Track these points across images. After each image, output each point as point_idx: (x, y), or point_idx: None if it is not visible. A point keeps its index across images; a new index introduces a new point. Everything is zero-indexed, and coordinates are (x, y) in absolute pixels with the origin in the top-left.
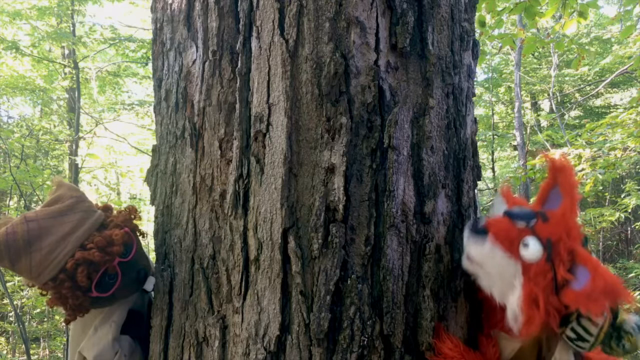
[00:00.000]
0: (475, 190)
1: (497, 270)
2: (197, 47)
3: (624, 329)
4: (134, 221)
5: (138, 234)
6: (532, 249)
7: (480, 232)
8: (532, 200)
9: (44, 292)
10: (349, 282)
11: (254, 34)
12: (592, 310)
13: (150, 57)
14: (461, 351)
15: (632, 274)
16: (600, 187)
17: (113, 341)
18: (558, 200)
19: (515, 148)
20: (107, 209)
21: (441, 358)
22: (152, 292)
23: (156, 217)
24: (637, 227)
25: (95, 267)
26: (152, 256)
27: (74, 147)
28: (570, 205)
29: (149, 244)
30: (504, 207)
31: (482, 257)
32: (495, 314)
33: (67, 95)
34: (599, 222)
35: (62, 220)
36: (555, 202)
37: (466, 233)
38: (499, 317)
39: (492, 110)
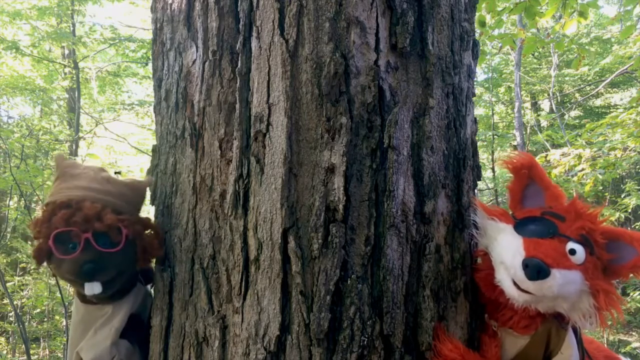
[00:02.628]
0: (475, 190)
1: (570, 288)
2: (197, 47)
3: None
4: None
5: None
6: (579, 252)
7: (544, 274)
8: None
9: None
10: (349, 282)
11: (254, 34)
12: None
13: (150, 57)
14: (461, 352)
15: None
16: (600, 187)
17: (111, 346)
18: (540, 195)
19: (515, 148)
20: (148, 220)
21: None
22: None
23: (156, 217)
24: (637, 227)
25: (71, 222)
26: None
27: (74, 147)
28: (561, 193)
29: None
30: (484, 218)
31: (560, 290)
32: (503, 312)
33: (67, 95)
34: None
35: (112, 187)
36: (537, 198)
37: (530, 283)
38: (507, 315)
39: (492, 110)
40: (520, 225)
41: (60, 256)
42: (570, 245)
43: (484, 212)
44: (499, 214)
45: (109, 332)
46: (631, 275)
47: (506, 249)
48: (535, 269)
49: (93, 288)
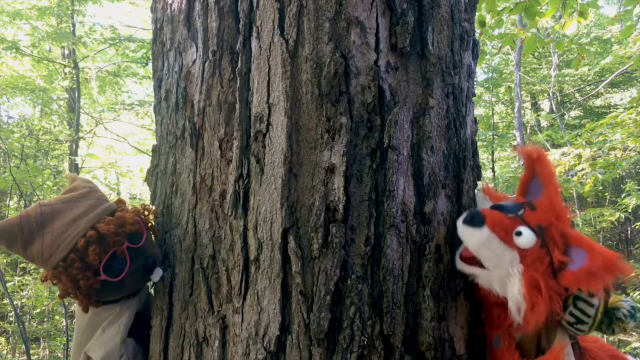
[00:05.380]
0: (475, 190)
1: (495, 259)
2: (197, 47)
3: (616, 316)
4: (149, 218)
5: (150, 229)
6: (525, 236)
7: (476, 223)
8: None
9: (56, 281)
10: (349, 282)
11: (254, 34)
12: (594, 287)
13: (150, 57)
14: None
15: (632, 274)
16: (600, 187)
17: (121, 343)
18: (539, 190)
19: (515, 148)
20: (119, 201)
21: None
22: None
23: (156, 217)
24: (637, 227)
25: (105, 248)
26: None
27: (74, 147)
28: (554, 192)
29: None
30: (488, 203)
31: (480, 245)
32: (493, 312)
33: (67, 95)
34: (599, 222)
35: (75, 205)
36: (536, 193)
37: (461, 226)
38: (495, 314)
39: (492, 110)
40: (498, 205)
41: (116, 279)
42: (521, 228)
43: (489, 195)
44: (496, 196)
45: (117, 330)
46: (578, 285)
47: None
48: (471, 215)
49: (158, 273)
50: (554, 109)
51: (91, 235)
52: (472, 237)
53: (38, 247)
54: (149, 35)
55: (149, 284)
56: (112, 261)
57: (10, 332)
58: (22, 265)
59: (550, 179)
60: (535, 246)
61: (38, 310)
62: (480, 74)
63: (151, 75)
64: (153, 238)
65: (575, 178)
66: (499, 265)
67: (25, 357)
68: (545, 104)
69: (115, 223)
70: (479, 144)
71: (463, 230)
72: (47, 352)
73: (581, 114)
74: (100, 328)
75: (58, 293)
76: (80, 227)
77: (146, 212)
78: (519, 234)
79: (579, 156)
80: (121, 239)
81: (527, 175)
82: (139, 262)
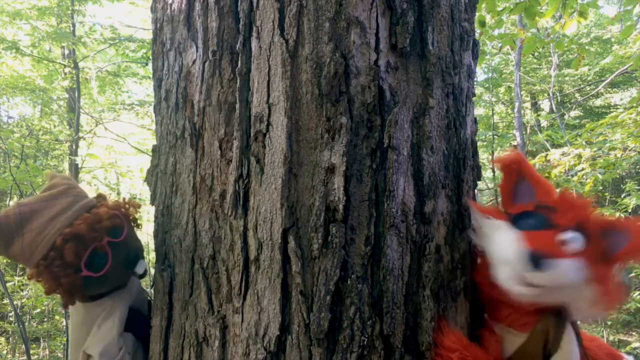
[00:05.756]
0: (475, 190)
1: (578, 278)
2: (197, 47)
3: None
4: (130, 211)
5: (133, 223)
6: (576, 241)
7: (539, 263)
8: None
9: (39, 279)
10: (349, 282)
11: (254, 34)
12: None
13: (150, 57)
14: (464, 345)
15: (632, 274)
16: (600, 187)
17: (118, 336)
18: (530, 191)
19: (515, 148)
20: (100, 196)
21: (443, 351)
22: (152, 292)
23: (156, 217)
24: None
25: (84, 245)
26: (152, 256)
27: (74, 147)
28: (552, 187)
29: (149, 244)
30: (479, 216)
31: (567, 279)
32: (501, 310)
33: (67, 95)
34: None
35: (53, 203)
36: (528, 194)
37: (525, 272)
38: (505, 313)
39: (492, 110)
40: (516, 220)
41: (98, 274)
42: (568, 234)
43: (479, 211)
44: (493, 212)
45: (112, 323)
46: (630, 261)
47: (506, 245)
48: (541, 261)
49: (142, 265)
50: (554, 109)
51: (67, 233)
52: (557, 279)
53: (19, 247)
54: (149, 35)
55: (143, 280)
56: (93, 257)
57: (10, 332)
58: (22, 265)
59: (539, 177)
60: (584, 244)
61: (38, 310)
62: (480, 74)
63: (151, 75)
64: (136, 230)
65: (575, 178)
66: (579, 279)
67: (25, 357)
68: (545, 104)
69: (91, 220)
70: (479, 144)
71: (544, 278)
72: (47, 352)
73: (581, 114)
74: (96, 325)
75: (44, 290)
76: (57, 225)
77: (127, 206)
78: (571, 240)
79: (579, 156)
80: (100, 235)
81: (511, 180)
82: (121, 255)
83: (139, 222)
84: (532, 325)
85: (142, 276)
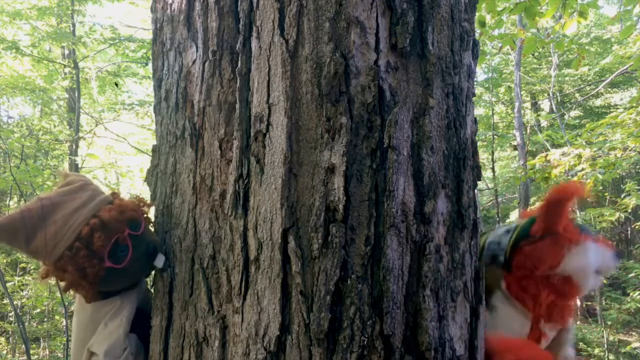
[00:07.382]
0: (475, 190)
1: None
2: (197, 47)
3: None
4: (144, 209)
5: (146, 219)
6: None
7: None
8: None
9: (61, 273)
10: (349, 282)
11: (254, 34)
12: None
13: (150, 57)
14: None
15: (632, 274)
16: (600, 187)
17: (124, 336)
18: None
19: (515, 148)
20: (114, 193)
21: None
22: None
23: (156, 217)
24: (637, 227)
25: (108, 234)
26: None
27: (74, 147)
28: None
29: None
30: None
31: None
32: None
33: (67, 95)
34: (599, 222)
35: (73, 196)
36: None
37: (614, 260)
38: (549, 310)
39: (492, 110)
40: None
41: (120, 266)
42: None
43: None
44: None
45: (120, 322)
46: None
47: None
48: (616, 254)
49: (161, 259)
50: (554, 109)
51: (94, 222)
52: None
53: (41, 239)
54: (149, 35)
55: (147, 280)
56: (115, 248)
57: (10, 332)
58: (22, 265)
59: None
60: None
61: (38, 310)
62: (480, 74)
63: (151, 75)
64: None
65: (575, 178)
66: None
67: (25, 357)
68: (545, 104)
69: (116, 210)
70: (479, 144)
71: (615, 262)
72: (47, 352)
73: (581, 114)
74: (103, 323)
75: (63, 286)
76: (82, 216)
77: (141, 204)
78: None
79: (579, 156)
80: (122, 226)
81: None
82: (141, 248)
83: (150, 219)
84: (568, 317)
85: (162, 270)
